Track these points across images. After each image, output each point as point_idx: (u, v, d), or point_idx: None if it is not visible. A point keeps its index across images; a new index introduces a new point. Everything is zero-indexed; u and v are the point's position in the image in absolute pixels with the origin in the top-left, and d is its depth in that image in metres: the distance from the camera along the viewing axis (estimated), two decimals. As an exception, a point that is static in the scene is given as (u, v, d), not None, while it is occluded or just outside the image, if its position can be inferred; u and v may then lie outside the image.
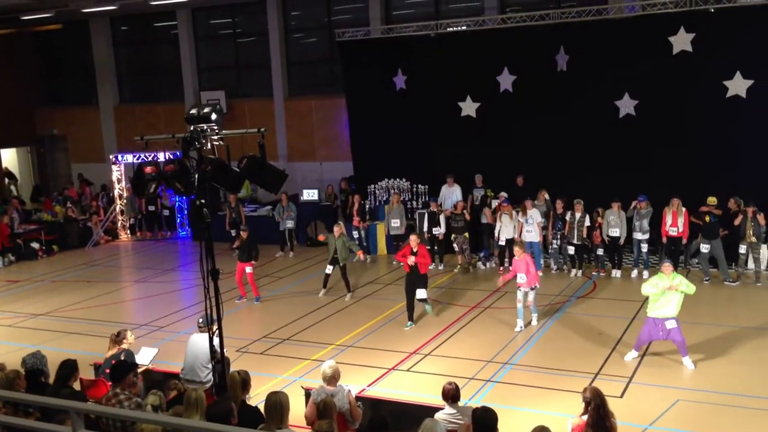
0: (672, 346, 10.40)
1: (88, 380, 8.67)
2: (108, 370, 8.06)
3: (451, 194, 17.53)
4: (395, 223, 17.08)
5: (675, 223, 14.50)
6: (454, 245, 16.42)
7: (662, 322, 10.08)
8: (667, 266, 10.20)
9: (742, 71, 15.07)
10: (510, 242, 15.87)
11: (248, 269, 14.30)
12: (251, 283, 14.43)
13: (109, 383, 7.37)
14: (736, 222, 14.21)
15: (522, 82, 17.29)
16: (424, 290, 12.60)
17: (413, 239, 12.67)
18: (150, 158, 19.00)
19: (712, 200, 14.39)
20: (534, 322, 12.39)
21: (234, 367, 8.71)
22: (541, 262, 15.65)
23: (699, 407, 9.08)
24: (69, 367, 7.47)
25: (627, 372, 10.19)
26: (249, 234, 14.52)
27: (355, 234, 17.78)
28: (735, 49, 15.07)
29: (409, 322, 12.52)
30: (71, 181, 26.89)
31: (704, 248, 14.44)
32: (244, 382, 7.13)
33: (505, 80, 17.44)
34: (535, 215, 15.41)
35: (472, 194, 17.64)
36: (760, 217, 13.94)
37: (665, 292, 10.03)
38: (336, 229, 14.49)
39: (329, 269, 14.44)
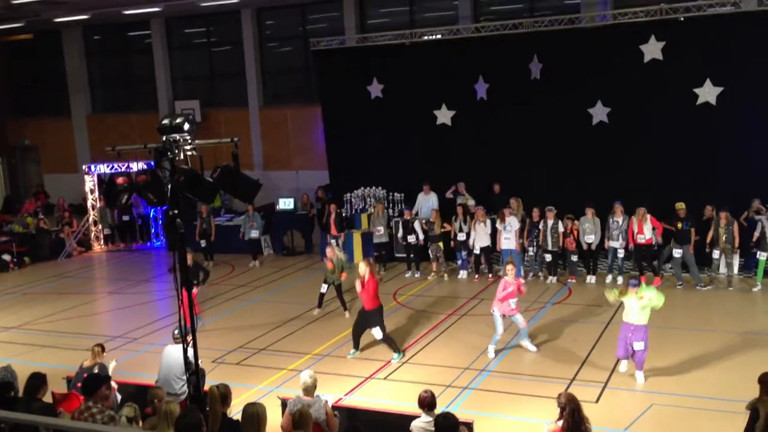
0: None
1: (61, 394, 8.55)
2: (79, 384, 7.96)
3: (427, 202, 17.58)
4: (379, 231, 17.10)
5: (641, 230, 14.67)
6: (430, 253, 16.51)
7: (632, 333, 9.90)
8: (632, 289, 9.90)
9: (712, 79, 15.30)
10: (484, 250, 15.95)
11: (194, 290, 12.97)
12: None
13: (82, 396, 7.28)
14: (710, 236, 14.43)
15: (496, 90, 17.40)
16: (378, 328, 11.29)
17: (362, 266, 11.37)
18: (123, 168, 18.86)
19: (680, 206, 14.56)
20: (532, 348, 11.44)
21: (209, 379, 8.66)
22: (522, 270, 15.69)
23: (673, 411, 9.17)
24: (37, 379, 7.35)
25: (602, 377, 10.26)
26: (194, 257, 13.20)
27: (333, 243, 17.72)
28: (705, 57, 15.30)
29: (352, 350, 11.62)
30: (33, 194, 26.57)
31: (677, 253, 14.63)
32: (223, 396, 7.05)
33: (480, 88, 17.55)
34: (513, 223, 15.49)
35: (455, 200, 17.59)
36: (735, 227, 14.16)
37: (629, 301, 9.97)
38: (329, 251, 13.76)
39: (324, 288, 13.83)
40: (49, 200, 25.46)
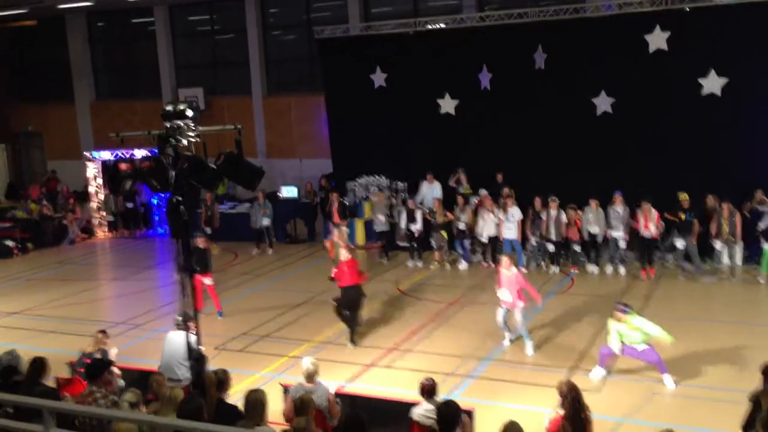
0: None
1: (64, 378, 8.60)
2: (81, 369, 8.00)
3: (431, 191, 17.57)
4: (380, 220, 17.13)
5: (647, 226, 14.65)
6: (432, 242, 16.53)
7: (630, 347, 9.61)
8: (618, 314, 9.48)
9: (717, 69, 15.23)
10: (492, 240, 15.94)
11: (207, 281, 13.04)
12: (213, 295, 13.27)
13: (85, 382, 7.32)
14: (713, 227, 14.40)
15: (500, 79, 17.34)
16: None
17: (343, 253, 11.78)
18: (127, 155, 18.86)
19: (684, 196, 14.55)
20: (530, 351, 10.92)
21: (212, 365, 8.69)
22: (524, 260, 15.70)
23: (675, 400, 9.20)
24: (39, 363, 7.40)
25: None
26: (207, 241, 13.51)
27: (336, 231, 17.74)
28: (710, 47, 15.24)
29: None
30: (45, 180, 26.58)
31: (679, 244, 14.63)
32: (220, 381, 7.09)
33: (484, 78, 17.49)
34: (515, 213, 15.50)
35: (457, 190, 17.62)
36: (737, 219, 14.13)
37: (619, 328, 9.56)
38: (336, 234, 13.89)
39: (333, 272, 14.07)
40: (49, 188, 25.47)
